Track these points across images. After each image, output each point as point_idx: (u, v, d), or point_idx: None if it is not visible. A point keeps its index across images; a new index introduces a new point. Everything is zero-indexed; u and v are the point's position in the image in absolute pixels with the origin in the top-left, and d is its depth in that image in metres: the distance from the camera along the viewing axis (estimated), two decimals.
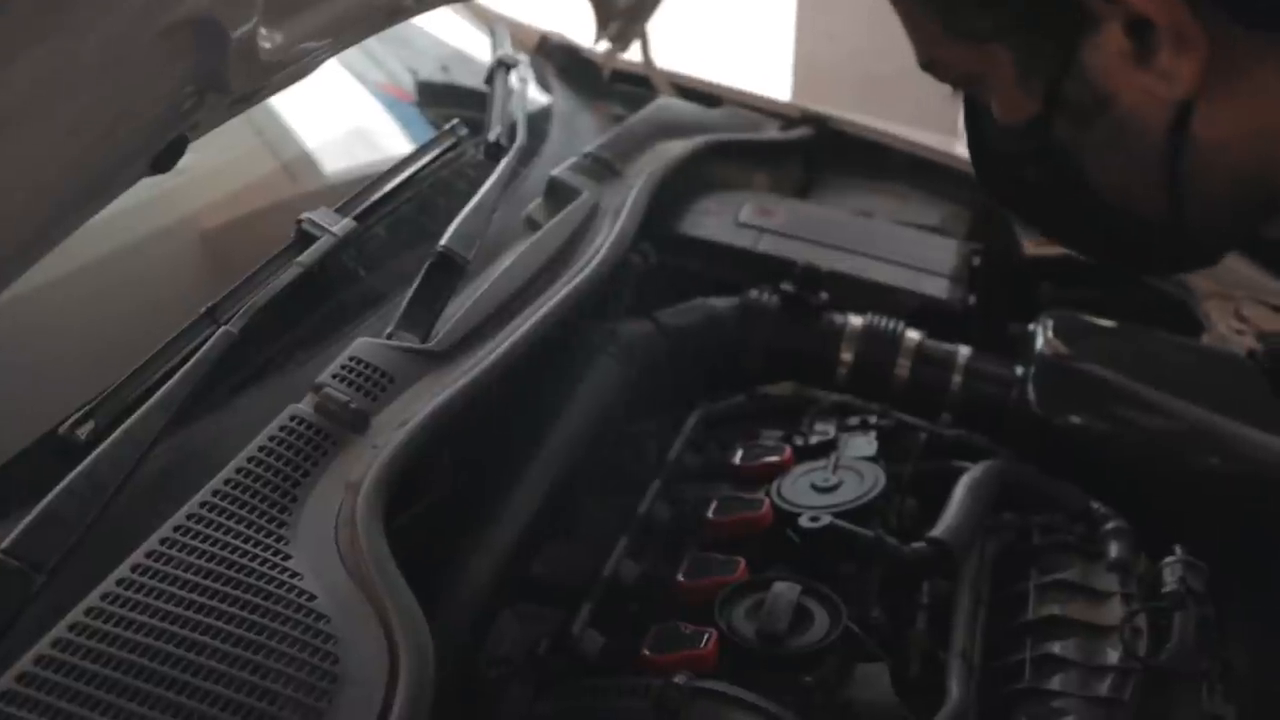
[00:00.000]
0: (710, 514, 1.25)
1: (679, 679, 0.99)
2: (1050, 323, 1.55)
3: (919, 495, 1.37)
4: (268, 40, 0.83)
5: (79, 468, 0.88)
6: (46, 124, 0.71)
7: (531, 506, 1.21)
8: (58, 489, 0.86)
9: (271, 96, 1.06)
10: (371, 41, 1.93)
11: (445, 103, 1.88)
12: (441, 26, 2.08)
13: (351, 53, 1.86)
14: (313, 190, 1.63)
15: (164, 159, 0.85)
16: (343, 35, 1.00)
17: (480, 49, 1.90)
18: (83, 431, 0.95)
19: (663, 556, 1.24)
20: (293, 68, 0.96)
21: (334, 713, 0.78)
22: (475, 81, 1.82)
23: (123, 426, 0.93)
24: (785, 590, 1.09)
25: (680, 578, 1.17)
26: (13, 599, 0.80)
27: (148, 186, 1.23)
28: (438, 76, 2.00)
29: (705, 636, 1.07)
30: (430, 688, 0.82)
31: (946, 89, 0.97)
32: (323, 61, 1.08)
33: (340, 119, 1.79)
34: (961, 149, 2.16)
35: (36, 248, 0.81)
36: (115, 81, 0.73)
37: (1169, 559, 1.22)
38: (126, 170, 0.85)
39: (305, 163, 1.68)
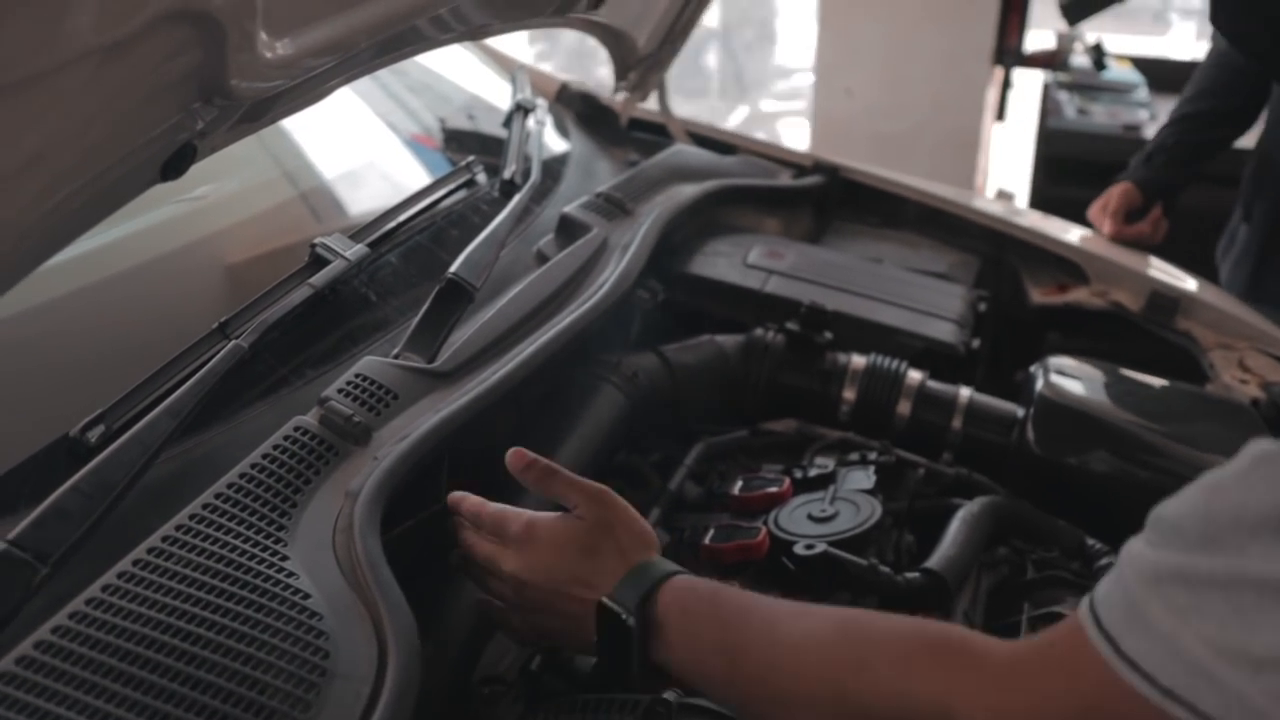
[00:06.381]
0: (707, 540, 1.26)
1: (668, 695, 1.00)
2: (1051, 365, 1.57)
3: (917, 531, 1.38)
4: (269, 49, 0.87)
5: (87, 467, 0.92)
6: (54, 108, 0.74)
7: None
8: (65, 486, 0.90)
9: (281, 120, 1.09)
10: (404, 92, 2.00)
11: (470, 148, 1.93)
12: (469, 76, 2.14)
13: (384, 103, 1.93)
14: (335, 226, 1.67)
15: (173, 166, 0.89)
16: (348, 56, 1.03)
17: (505, 98, 1.96)
18: (93, 435, 0.98)
19: None
20: (300, 87, 1.00)
21: (322, 704, 0.81)
22: (499, 129, 1.87)
23: (131, 431, 0.97)
24: None
25: None
26: (16, 588, 0.83)
27: (170, 209, 1.30)
28: (464, 124, 2.06)
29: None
30: (416, 683, 0.84)
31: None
32: (330, 87, 1.12)
33: (367, 161, 1.84)
34: (974, 200, 2.21)
35: (53, 238, 0.85)
36: (116, 73, 0.76)
37: None
38: (138, 173, 0.89)
39: (329, 199, 1.72)
